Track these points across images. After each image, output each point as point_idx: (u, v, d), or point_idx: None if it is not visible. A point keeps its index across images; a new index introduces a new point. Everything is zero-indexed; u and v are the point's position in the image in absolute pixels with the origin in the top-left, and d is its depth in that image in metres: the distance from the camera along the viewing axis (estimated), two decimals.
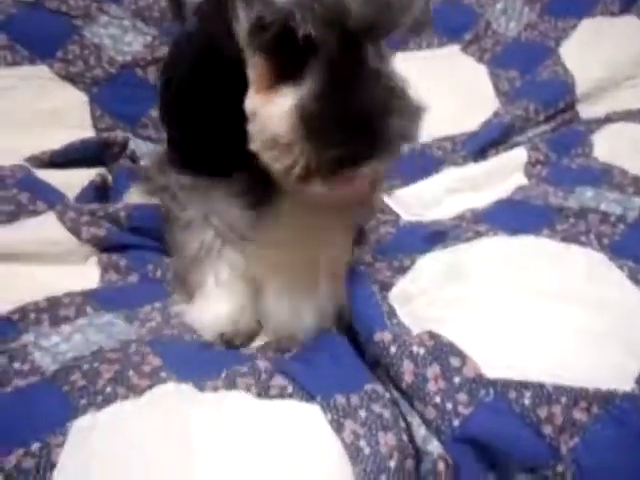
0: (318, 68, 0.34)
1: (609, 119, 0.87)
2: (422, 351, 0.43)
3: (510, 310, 0.47)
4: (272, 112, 0.35)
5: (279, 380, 0.43)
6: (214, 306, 0.53)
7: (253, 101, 0.37)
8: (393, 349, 0.43)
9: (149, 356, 0.43)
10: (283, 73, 0.35)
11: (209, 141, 0.48)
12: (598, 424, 0.42)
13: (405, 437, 0.40)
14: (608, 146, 0.79)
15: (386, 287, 0.54)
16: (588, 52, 1.00)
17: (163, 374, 0.42)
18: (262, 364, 0.45)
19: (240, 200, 0.52)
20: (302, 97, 0.34)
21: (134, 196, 0.71)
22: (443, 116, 0.87)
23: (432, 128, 0.87)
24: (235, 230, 0.53)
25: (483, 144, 0.86)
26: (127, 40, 0.89)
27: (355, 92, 0.33)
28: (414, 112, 0.36)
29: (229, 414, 0.40)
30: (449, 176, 0.79)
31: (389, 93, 0.34)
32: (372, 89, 0.34)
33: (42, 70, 0.87)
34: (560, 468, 0.40)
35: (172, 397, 0.40)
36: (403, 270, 0.56)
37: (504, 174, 0.77)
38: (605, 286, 0.51)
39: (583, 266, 0.53)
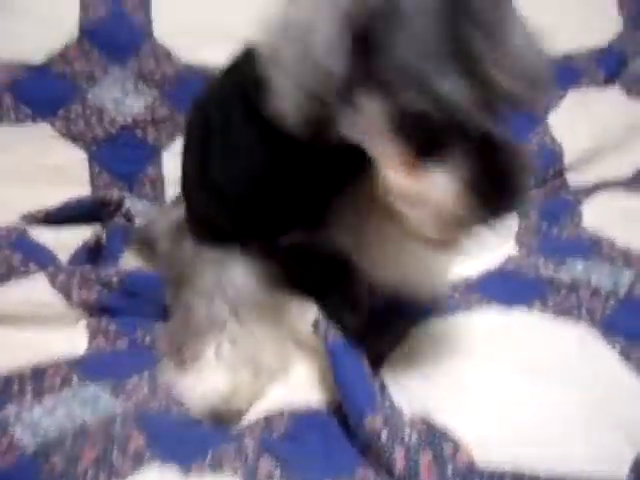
0: (463, 140, 0.36)
1: (597, 188, 0.90)
2: (414, 437, 0.42)
3: (505, 393, 0.47)
4: (433, 189, 0.37)
5: (266, 463, 0.42)
6: (209, 380, 0.51)
7: (397, 180, 0.38)
8: (384, 435, 0.42)
9: (134, 434, 0.42)
10: (424, 150, 0.37)
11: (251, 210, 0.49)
12: None
13: None
14: (596, 216, 0.80)
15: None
16: (575, 122, 1.03)
17: (147, 455, 0.40)
18: (250, 443, 0.44)
19: (259, 272, 0.53)
20: (459, 171, 0.36)
21: (129, 260, 0.71)
22: None
23: None
24: (247, 302, 0.53)
25: None
26: (128, 102, 0.92)
27: (497, 156, 0.36)
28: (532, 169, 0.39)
29: None
30: None
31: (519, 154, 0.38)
32: (510, 151, 0.37)
33: (44, 128, 0.89)
34: None
35: None
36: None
37: (495, 241, 0.78)
38: (598, 365, 0.51)
39: (576, 343, 0.53)
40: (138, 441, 0.41)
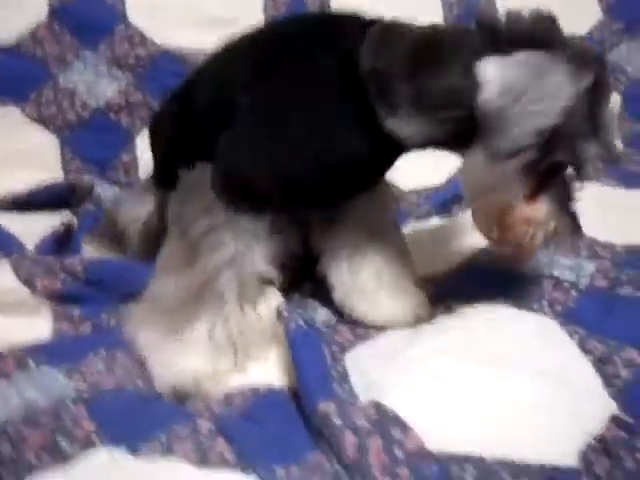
0: (560, 176, 0.52)
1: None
2: (365, 423, 0.42)
3: (457, 378, 0.47)
4: (542, 213, 0.52)
5: (220, 444, 0.42)
6: (192, 359, 0.51)
7: (529, 210, 0.52)
8: (336, 420, 0.42)
9: (83, 419, 0.42)
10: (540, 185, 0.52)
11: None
12: None
13: None
14: None
15: (344, 348, 0.54)
16: None
17: (96, 439, 0.40)
18: (204, 425, 0.44)
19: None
20: (557, 200, 0.52)
21: (88, 248, 0.70)
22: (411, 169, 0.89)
23: (401, 180, 0.89)
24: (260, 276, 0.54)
25: (447, 199, 0.88)
26: (101, 86, 0.91)
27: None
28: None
29: None
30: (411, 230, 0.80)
31: None
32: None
33: (13, 112, 0.88)
34: None
35: (104, 467, 0.39)
36: (366, 334, 0.56)
37: (467, 230, 0.79)
38: (555, 354, 0.51)
39: (534, 332, 0.53)
40: (87, 426, 0.41)
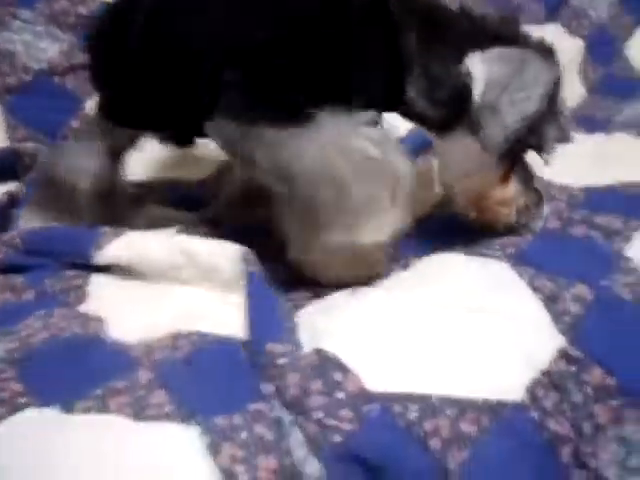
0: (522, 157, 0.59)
1: None
2: (307, 365, 0.41)
3: (400, 321, 0.46)
4: (513, 193, 0.59)
5: (159, 396, 0.40)
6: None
7: (502, 191, 0.58)
8: (281, 361, 0.42)
9: (10, 378, 0.40)
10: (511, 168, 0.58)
11: None
12: (487, 436, 0.41)
13: (288, 459, 0.38)
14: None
15: (298, 306, 0.53)
16: None
17: (23, 400, 0.39)
18: (144, 375, 0.42)
19: None
20: (523, 180, 0.59)
21: (25, 219, 0.66)
22: None
23: None
24: None
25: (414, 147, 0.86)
26: (42, 46, 0.86)
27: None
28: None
29: (99, 441, 0.37)
30: None
31: None
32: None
33: None
34: None
35: (33, 427, 0.37)
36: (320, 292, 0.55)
37: (430, 181, 0.77)
38: (504, 294, 0.51)
39: (483, 274, 0.53)
40: (16, 387, 0.40)
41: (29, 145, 0.81)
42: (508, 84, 0.53)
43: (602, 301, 0.49)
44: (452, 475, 0.39)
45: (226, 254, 0.55)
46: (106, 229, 0.60)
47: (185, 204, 0.73)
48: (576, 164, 0.73)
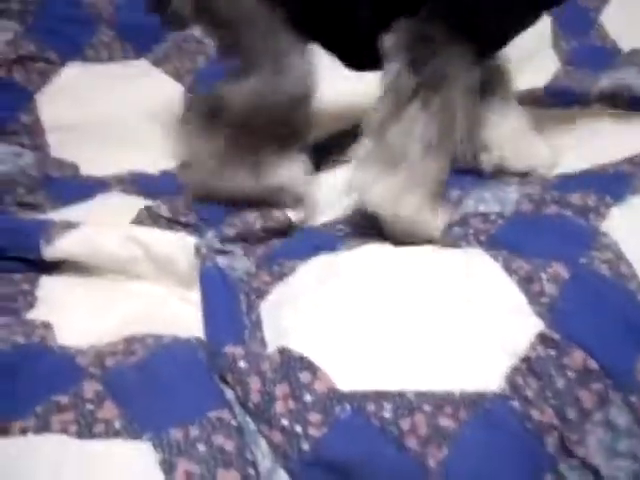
0: None
1: None
2: (271, 368, 0.38)
3: (372, 316, 0.43)
4: None
5: (107, 410, 0.36)
6: None
7: None
8: (242, 364, 0.38)
9: None
10: None
11: None
12: (467, 430, 0.38)
13: (252, 471, 0.35)
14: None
15: (261, 295, 0.50)
16: None
17: None
18: (92, 387, 0.38)
19: None
20: None
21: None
22: None
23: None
24: None
25: None
26: None
27: None
28: None
29: (36, 467, 0.33)
30: (342, 176, 0.75)
31: None
32: None
33: None
34: None
35: None
36: (283, 276, 0.52)
37: None
38: (478, 279, 0.48)
39: (457, 263, 0.50)
40: None
41: None
42: None
43: (580, 279, 0.47)
44: (433, 474, 0.37)
45: (183, 246, 0.52)
46: (56, 221, 0.56)
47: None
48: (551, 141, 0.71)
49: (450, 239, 0.53)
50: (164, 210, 0.61)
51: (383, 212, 0.52)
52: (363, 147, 0.52)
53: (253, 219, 0.60)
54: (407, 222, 0.52)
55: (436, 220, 0.54)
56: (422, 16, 0.51)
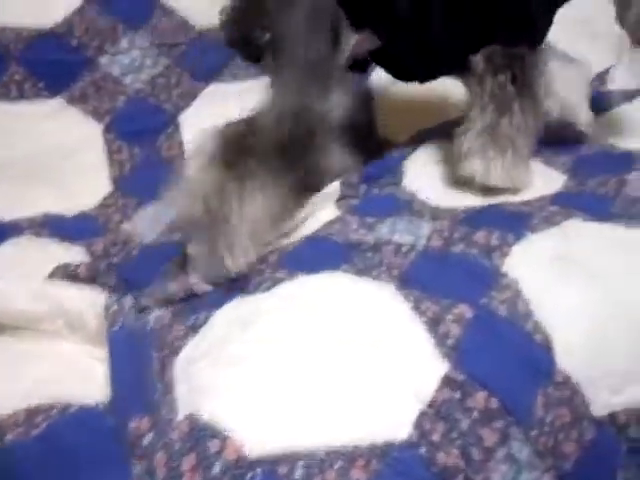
0: None
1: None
2: (179, 438, 0.38)
3: (282, 367, 0.44)
4: None
5: None
6: None
7: None
8: (147, 439, 0.38)
9: None
10: None
11: None
12: None
13: None
14: (416, 176, 0.79)
15: (175, 351, 0.49)
16: None
17: None
18: None
19: None
20: None
21: None
22: None
23: None
24: None
25: None
26: None
27: None
28: None
29: None
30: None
31: None
32: None
33: None
34: None
35: None
36: (197, 327, 0.51)
37: (316, 206, 0.76)
38: (388, 321, 0.50)
39: (370, 301, 0.52)
40: None
41: None
42: None
43: (481, 319, 0.50)
44: None
45: (93, 304, 0.51)
46: None
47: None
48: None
49: None
50: (82, 270, 0.59)
51: (502, 186, 0.68)
52: (469, 140, 0.69)
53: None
54: (517, 190, 0.69)
55: (529, 178, 0.70)
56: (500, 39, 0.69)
